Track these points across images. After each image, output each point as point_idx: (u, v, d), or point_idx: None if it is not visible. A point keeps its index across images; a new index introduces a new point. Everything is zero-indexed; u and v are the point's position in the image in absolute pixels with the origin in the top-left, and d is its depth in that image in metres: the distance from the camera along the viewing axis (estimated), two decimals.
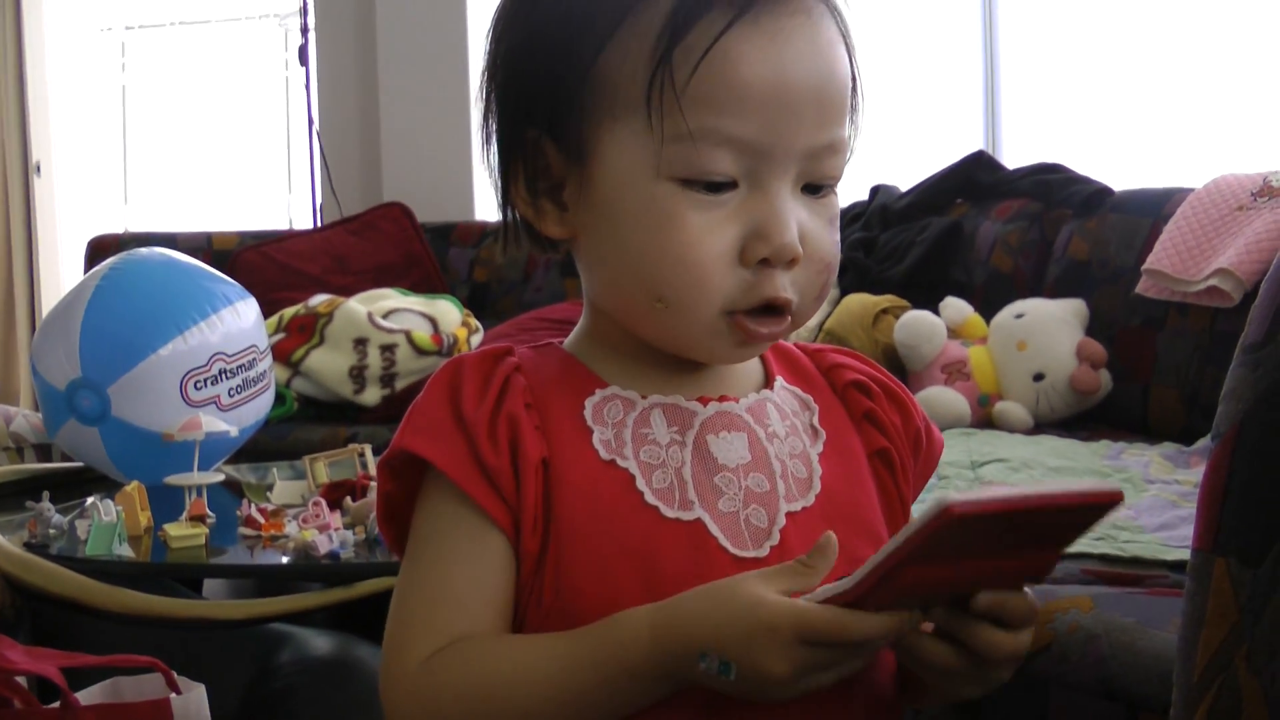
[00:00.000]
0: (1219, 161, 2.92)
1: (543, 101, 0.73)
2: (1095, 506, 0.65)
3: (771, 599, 0.64)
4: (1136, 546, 1.56)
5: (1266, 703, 0.68)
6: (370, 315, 2.97)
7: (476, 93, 0.77)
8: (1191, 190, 2.69)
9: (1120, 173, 2.95)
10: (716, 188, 0.70)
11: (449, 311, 3.07)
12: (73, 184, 4.77)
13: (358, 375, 2.92)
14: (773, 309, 0.72)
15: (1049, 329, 2.71)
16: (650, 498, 0.72)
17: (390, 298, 3.12)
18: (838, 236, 0.74)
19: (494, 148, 0.77)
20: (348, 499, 1.86)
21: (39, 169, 4.64)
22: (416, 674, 0.71)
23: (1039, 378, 2.68)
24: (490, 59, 0.76)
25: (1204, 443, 2.25)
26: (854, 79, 0.74)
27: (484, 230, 3.73)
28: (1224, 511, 0.74)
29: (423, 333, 2.97)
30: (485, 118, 0.77)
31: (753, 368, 0.80)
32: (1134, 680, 1.22)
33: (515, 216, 0.78)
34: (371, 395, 2.92)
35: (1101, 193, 2.85)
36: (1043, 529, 0.65)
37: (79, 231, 4.27)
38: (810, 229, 0.72)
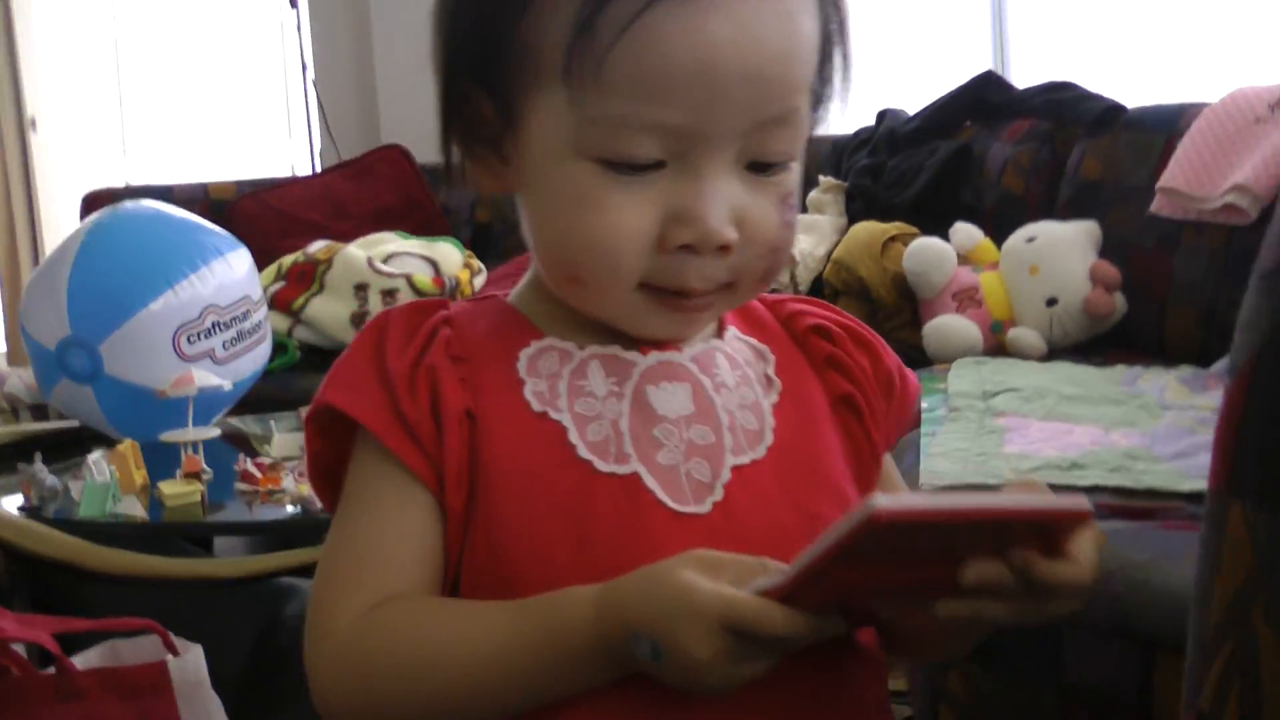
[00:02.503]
0: (1234, 74, 2.84)
1: (475, 58, 0.68)
2: (1059, 521, 0.59)
3: (704, 585, 0.60)
4: (1151, 477, 1.51)
5: None
6: (370, 260, 2.92)
7: None
8: (1207, 105, 2.61)
9: (1133, 89, 2.87)
10: (640, 168, 0.65)
11: (450, 254, 3.02)
12: (70, 139, 4.71)
13: (359, 321, 2.87)
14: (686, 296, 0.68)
15: (1061, 252, 2.65)
16: (583, 451, 0.68)
17: (390, 242, 3.07)
18: (791, 216, 0.69)
19: (438, 96, 0.72)
20: None
21: (35, 124, 4.58)
22: (345, 635, 0.67)
23: (1052, 302, 2.63)
24: (435, 3, 0.71)
25: (1221, 364, 2.19)
26: (829, 37, 0.69)
27: None
28: (1240, 450, 0.69)
29: (424, 276, 2.92)
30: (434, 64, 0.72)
31: None
32: (1150, 619, 1.18)
33: (449, 158, 0.73)
34: None
35: (1114, 110, 2.77)
36: (1001, 538, 0.59)
37: (79, 186, 4.21)
38: (752, 211, 0.67)
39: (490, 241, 3.49)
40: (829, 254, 3.06)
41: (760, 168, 0.67)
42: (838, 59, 0.70)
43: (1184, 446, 1.66)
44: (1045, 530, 0.59)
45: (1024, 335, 2.62)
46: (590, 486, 0.68)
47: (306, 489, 1.66)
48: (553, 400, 0.69)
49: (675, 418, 0.70)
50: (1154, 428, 1.78)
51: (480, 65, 0.68)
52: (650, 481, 0.68)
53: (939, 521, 0.56)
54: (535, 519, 0.67)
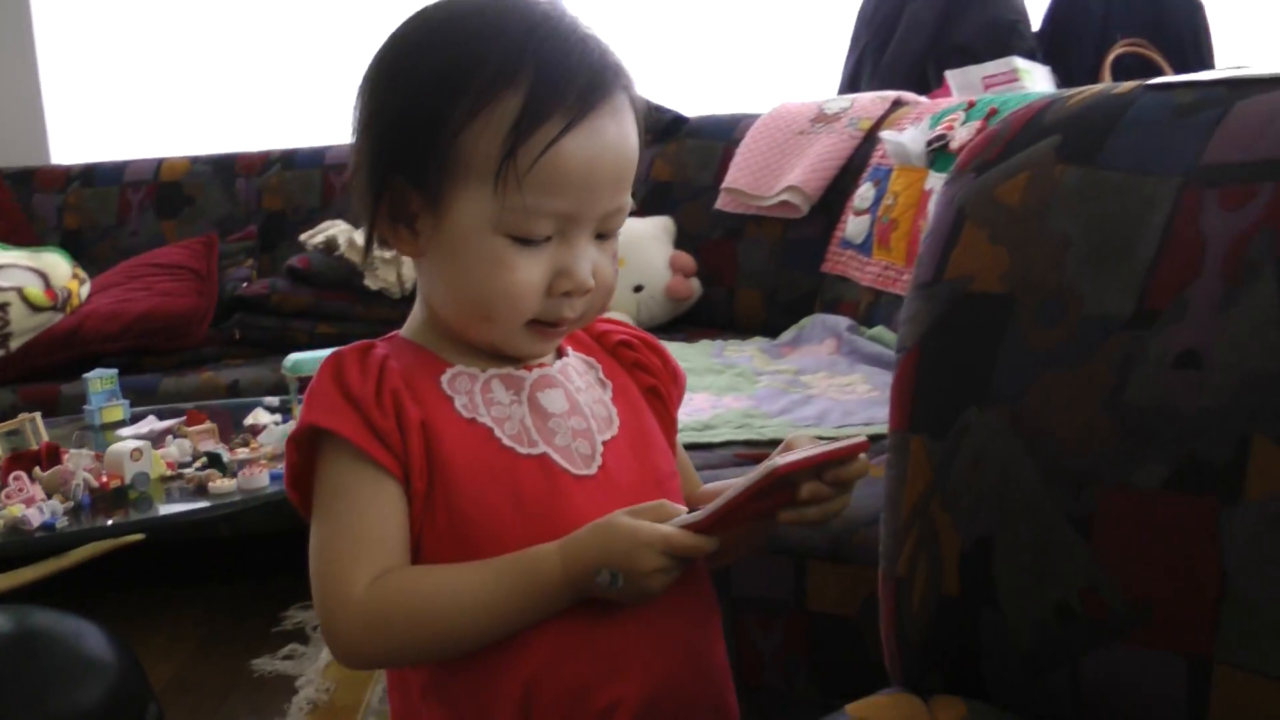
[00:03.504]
0: (777, 90, 3.35)
1: (410, 159, 0.90)
2: (856, 450, 0.91)
3: (645, 525, 0.88)
4: (770, 430, 1.90)
5: (956, 529, 0.99)
6: None
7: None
8: (757, 116, 3.09)
9: (690, 102, 3.31)
10: (537, 242, 0.91)
11: (58, 264, 3.00)
12: None
13: None
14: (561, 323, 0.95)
15: (643, 245, 3.05)
16: (506, 442, 0.93)
17: None
18: (616, 267, 0.97)
19: (360, 180, 0.93)
20: (36, 469, 1.88)
21: None
22: (362, 600, 0.88)
23: (639, 289, 3.02)
24: (365, 113, 0.93)
25: (790, 334, 2.66)
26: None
27: (68, 175, 3.61)
28: (914, 403, 1.04)
29: (35, 289, 2.89)
30: (354, 159, 0.94)
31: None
32: (799, 535, 1.54)
33: (371, 233, 0.95)
34: None
35: (678, 120, 3.21)
36: (817, 470, 0.91)
37: None
38: (599, 265, 0.94)
39: (83, 248, 3.45)
40: None
41: (603, 236, 0.95)
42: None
43: (784, 404, 2.07)
44: (844, 460, 0.91)
45: (616, 319, 2.98)
46: (517, 465, 0.93)
47: (18, 510, 1.71)
48: (475, 409, 0.94)
49: (559, 413, 0.96)
50: (755, 391, 2.19)
51: (413, 166, 0.90)
52: (556, 457, 0.94)
53: (802, 467, 0.86)
54: (481, 491, 0.91)
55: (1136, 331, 0.90)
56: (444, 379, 0.94)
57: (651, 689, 0.92)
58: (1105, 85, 1.07)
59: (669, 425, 1.05)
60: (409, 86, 0.90)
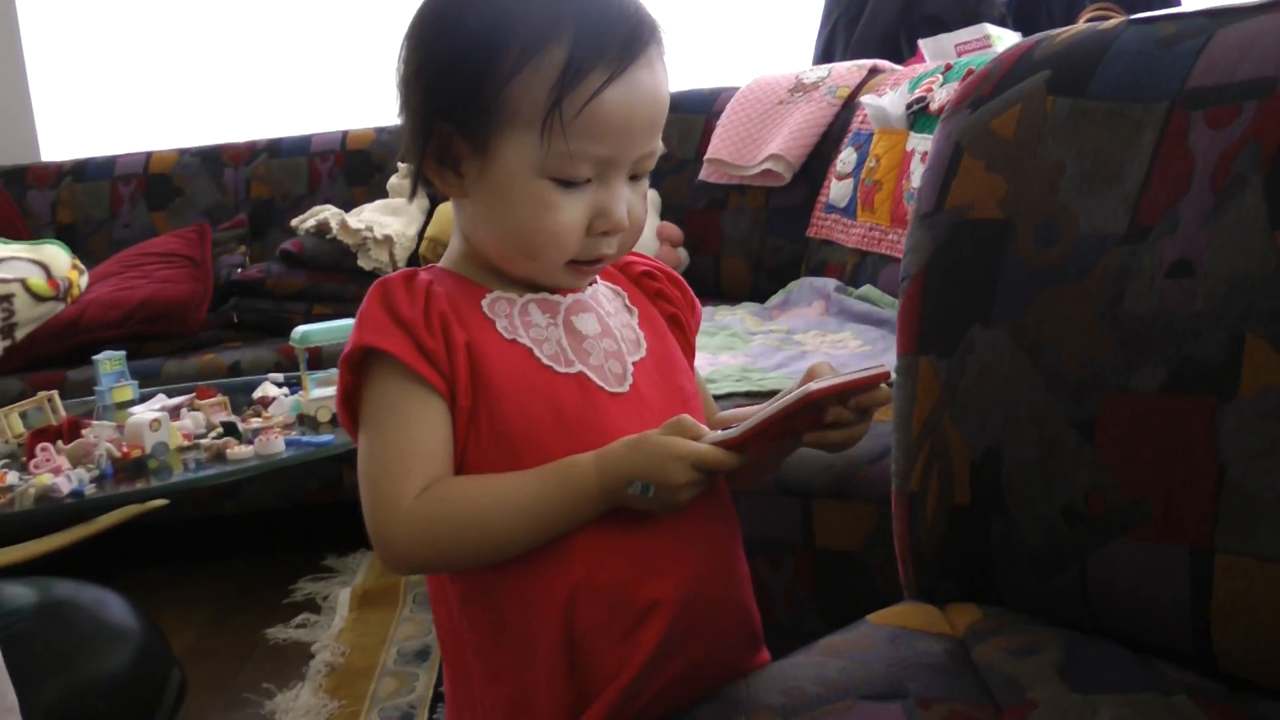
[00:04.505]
0: (753, 63, 3.42)
1: (458, 108, 0.96)
2: (880, 379, 0.97)
3: (678, 440, 0.94)
4: (770, 382, 1.96)
5: (966, 444, 1.06)
6: None
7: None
8: (736, 89, 3.16)
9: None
10: (579, 184, 0.97)
11: (58, 255, 3.04)
12: None
13: None
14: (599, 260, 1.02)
15: None
16: (545, 360, 0.99)
17: None
18: (647, 205, 1.03)
19: (408, 126, 0.99)
20: (59, 442, 1.93)
21: None
22: (412, 508, 0.94)
23: None
24: (411, 65, 0.98)
25: (778, 298, 2.72)
26: None
27: (60, 171, 3.64)
28: (921, 327, 1.11)
29: (38, 279, 2.93)
30: (402, 108, 1.00)
31: None
32: (803, 476, 1.60)
33: (419, 173, 1.01)
34: None
35: None
36: (841, 396, 0.97)
37: None
38: (632, 205, 1.01)
39: (76, 241, 3.48)
40: (420, 233, 3.36)
41: (636, 178, 1.01)
42: None
43: (779, 359, 2.14)
44: (868, 386, 0.98)
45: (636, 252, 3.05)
46: (555, 381, 0.99)
47: (47, 479, 1.77)
48: (514, 330, 1.00)
49: (592, 335, 1.03)
50: (749, 349, 2.26)
51: (460, 114, 0.96)
52: (591, 375, 1.00)
53: (832, 391, 0.93)
54: (524, 406, 0.97)
55: (1131, 246, 0.97)
56: (484, 303, 1.00)
57: (686, 589, 0.98)
58: (1090, 24, 1.13)
59: (689, 350, 1.12)
60: (455, 40, 0.96)
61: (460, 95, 0.96)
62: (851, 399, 0.97)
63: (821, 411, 0.96)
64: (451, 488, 0.96)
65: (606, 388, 1.01)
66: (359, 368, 0.98)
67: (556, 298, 1.03)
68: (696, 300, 1.16)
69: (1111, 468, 0.96)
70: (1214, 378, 0.91)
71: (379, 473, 0.96)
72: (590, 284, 1.07)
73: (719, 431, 0.96)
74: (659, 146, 1.01)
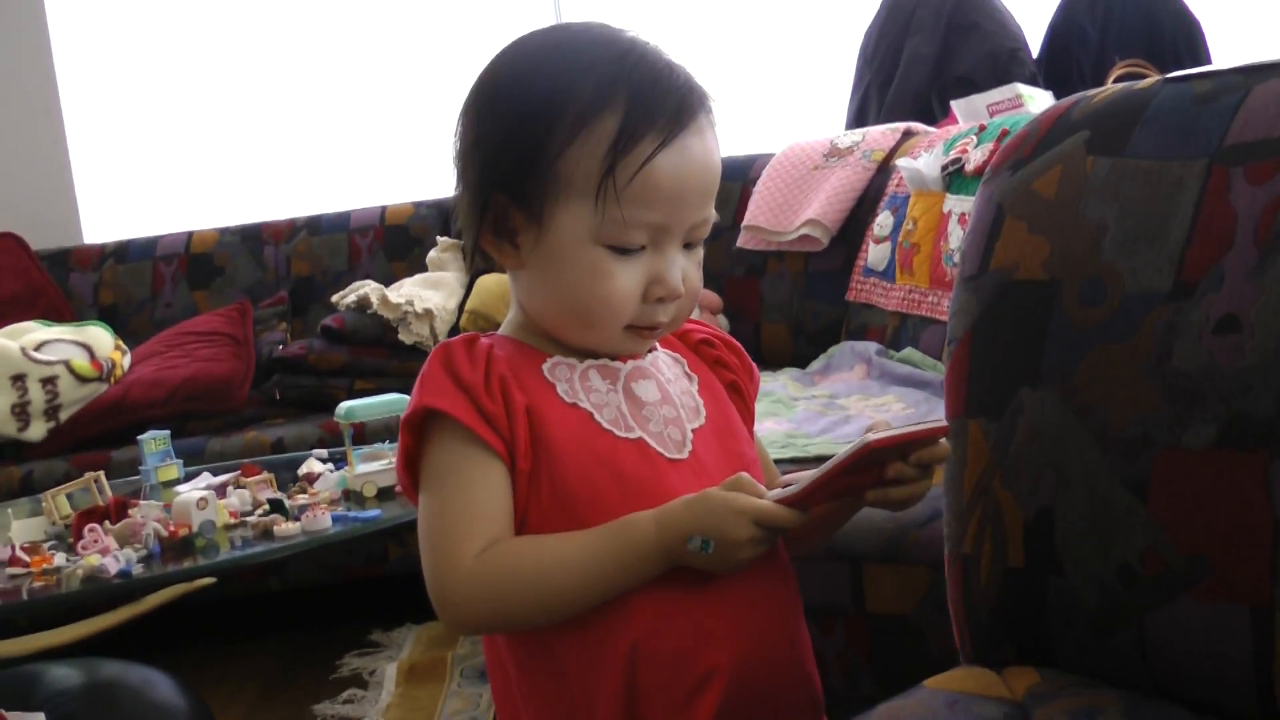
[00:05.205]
0: (787, 130, 3.45)
1: (514, 179, 0.98)
2: (939, 433, 0.97)
3: (739, 495, 0.94)
4: (815, 448, 1.96)
5: (1018, 506, 1.05)
6: (23, 349, 2.94)
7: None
8: (771, 155, 3.18)
9: None
10: (634, 251, 0.99)
11: (101, 336, 3.09)
12: None
13: (20, 412, 2.89)
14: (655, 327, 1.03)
15: None
16: (606, 425, 1.00)
17: (35, 330, 3.08)
18: (701, 274, 1.04)
19: (465, 199, 1.01)
20: (105, 523, 1.94)
21: None
22: (473, 568, 0.95)
23: None
24: (468, 139, 1.01)
25: (820, 363, 2.72)
26: None
27: (102, 253, 3.70)
28: (969, 389, 1.10)
29: (82, 360, 2.98)
30: (459, 180, 1.02)
31: None
32: (852, 542, 1.59)
33: (475, 247, 1.03)
34: (37, 430, 2.91)
35: None
36: (901, 451, 0.97)
37: None
38: (688, 273, 1.02)
39: (118, 322, 3.52)
40: (460, 305, 3.38)
41: (690, 246, 1.02)
42: None
43: (824, 425, 2.13)
44: (927, 441, 0.97)
45: (694, 319, 3.06)
46: (616, 446, 1.00)
47: (95, 560, 1.78)
48: (575, 395, 1.01)
49: (652, 401, 1.03)
50: (794, 414, 2.25)
51: (516, 186, 0.98)
52: (651, 442, 1.01)
53: (892, 444, 0.93)
54: (586, 469, 0.98)
55: (1176, 303, 0.96)
56: (545, 367, 1.02)
57: (744, 658, 0.98)
58: (1126, 83, 1.14)
59: (749, 417, 1.13)
60: (510, 114, 0.99)
61: (516, 166, 0.98)
62: (912, 455, 0.97)
63: (882, 468, 0.96)
64: (512, 547, 0.97)
65: (666, 454, 1.02)
66: (420, 430, 1.00)
67: (617, 364, 1.04)
68: (755, 367, 1.16)
69: (1166, 526, 0.95)
70: (1266, 432, 0.90)
71: (440, 533, 0.97)
72: (650, 350, 1.08)
73: (779, 489, 0.96)
74: (712, 214, 1.02)
